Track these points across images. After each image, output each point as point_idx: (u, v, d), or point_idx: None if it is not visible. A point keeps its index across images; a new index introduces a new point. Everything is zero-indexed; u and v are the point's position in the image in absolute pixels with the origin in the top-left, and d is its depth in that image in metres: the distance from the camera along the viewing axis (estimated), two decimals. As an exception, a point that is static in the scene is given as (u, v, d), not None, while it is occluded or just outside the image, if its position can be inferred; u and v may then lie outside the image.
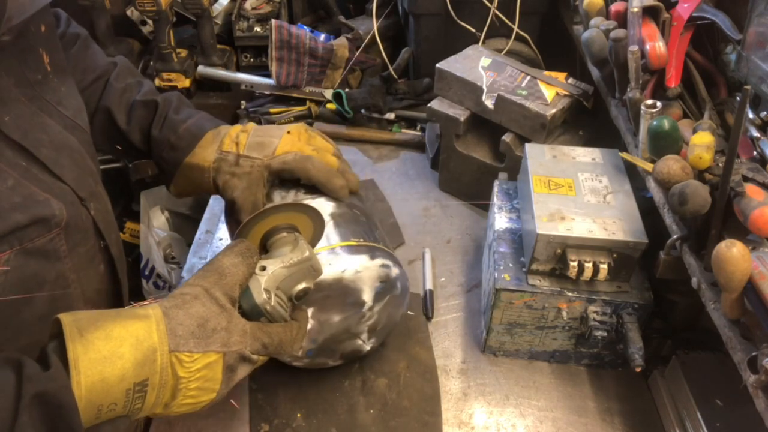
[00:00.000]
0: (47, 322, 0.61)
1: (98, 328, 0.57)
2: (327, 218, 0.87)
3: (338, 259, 0.83)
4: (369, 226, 0.94)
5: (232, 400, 0.95)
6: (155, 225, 1.70)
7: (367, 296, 0.88)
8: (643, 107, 0.91)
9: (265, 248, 0.75)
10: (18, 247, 0.65)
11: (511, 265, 1.00)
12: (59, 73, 0.80)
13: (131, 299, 0.86)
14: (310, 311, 0.86)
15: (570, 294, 0.95)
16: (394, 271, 0.89)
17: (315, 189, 0.92)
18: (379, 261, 0.86)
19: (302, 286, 0.72)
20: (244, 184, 0.89)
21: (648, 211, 0.94)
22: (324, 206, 0.90)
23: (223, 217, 1.34)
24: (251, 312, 0.68)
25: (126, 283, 0.91)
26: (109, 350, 0.57)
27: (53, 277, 0.71)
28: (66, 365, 0.55)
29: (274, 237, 0.74)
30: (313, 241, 0.80)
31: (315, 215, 0.77)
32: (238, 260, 0.68)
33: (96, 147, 0.87)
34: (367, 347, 0.97)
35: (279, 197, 0.93)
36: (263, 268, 0.69)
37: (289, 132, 0.94)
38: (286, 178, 0.92)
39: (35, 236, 0.67)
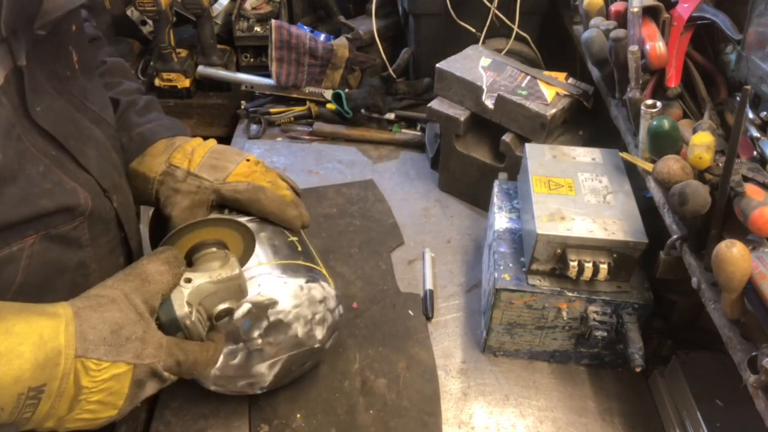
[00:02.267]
0: None
1: None
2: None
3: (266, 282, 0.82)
4: (293, 241, 0.92)
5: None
6: (155, 225, 1.69)
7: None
8: (643, 107, 0.91)
9: (190, 262, 0.72)
10: (43, 232, 0.65)
11: (511, 265, 0.99)
12: (86, 72, 0.81)
13: None
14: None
15: (570, 294, 0.95)
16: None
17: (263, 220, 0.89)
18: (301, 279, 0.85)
19: (225, 305, 0.69)
20: (186, 203, 0.85)
21: (648, 211, 0.94)
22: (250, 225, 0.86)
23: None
24: (169, 325, 0.64)
25: None
26: (7, 347, 0.52)
27: (74, 265, 0.71)
28: None
29: (202, 251, 0.71)
30: (243, 261, 0.77)
31: (246, 234, 0.75)
32: (164, 268, 0.64)
33: None
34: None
35: None
36: (188, 280, 0.65)
37: (248, 159, 0.90)
38: (234, 208, 0.88)
39: (60, 223, 0.67)
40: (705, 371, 0.91)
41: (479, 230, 1.32)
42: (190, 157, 0.87)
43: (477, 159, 1.32)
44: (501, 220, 1.08)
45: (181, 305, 0.64)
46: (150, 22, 1.85)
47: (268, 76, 1.70)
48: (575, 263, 0.90)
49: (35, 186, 0.64)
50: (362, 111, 1.62)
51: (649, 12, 0.98)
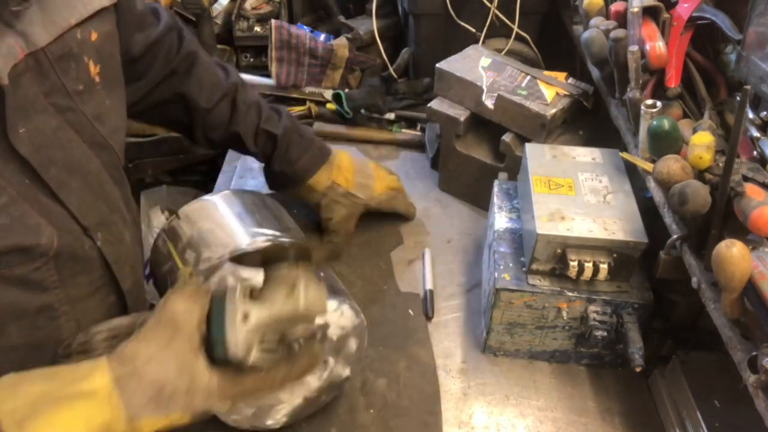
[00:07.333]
0: (26, 350, 0.59)
1: (39, 416, 0.52)
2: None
3: None
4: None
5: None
6: (155, 225, 1.69)
7: None
8: (643, 107, 0.91)
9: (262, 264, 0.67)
10: None
11: (511, 265, 0.99)
12: (108, 85, 0.75)
13: (135, 303, 0.82)
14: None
15: (570, 294, 0.95)
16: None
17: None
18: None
19: (300, 330, 0.63)
20: (344, 213, 1.12)
21: (648, 211, 0.94)
22: None
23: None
24: (223, 363, 0.59)
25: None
26: None
27: (35, 308, 0.66)
28: None
29: (274, 266, 0.65)
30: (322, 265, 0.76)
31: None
32: (189, 306, 0.60)
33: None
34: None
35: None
36: (246, 317, 0.59)
37: (376, 165, 1.24)
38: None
39: (14, 264, 0.62)
40: (705, 371, 0.91)
41: (479, 230, 1.32)
42: (346, 176, 1.13)
43: (477, 159, 1.32)
44: (501, 220, 1.08)
45: (236, 344, 0.58)
46: (150, 22, 1.85)
47: (268, 76, 1.70)
48: (575, 263, 0.90)
49: None
50: (362, 111, 1.61)
51: (649, 12, 0.98)
